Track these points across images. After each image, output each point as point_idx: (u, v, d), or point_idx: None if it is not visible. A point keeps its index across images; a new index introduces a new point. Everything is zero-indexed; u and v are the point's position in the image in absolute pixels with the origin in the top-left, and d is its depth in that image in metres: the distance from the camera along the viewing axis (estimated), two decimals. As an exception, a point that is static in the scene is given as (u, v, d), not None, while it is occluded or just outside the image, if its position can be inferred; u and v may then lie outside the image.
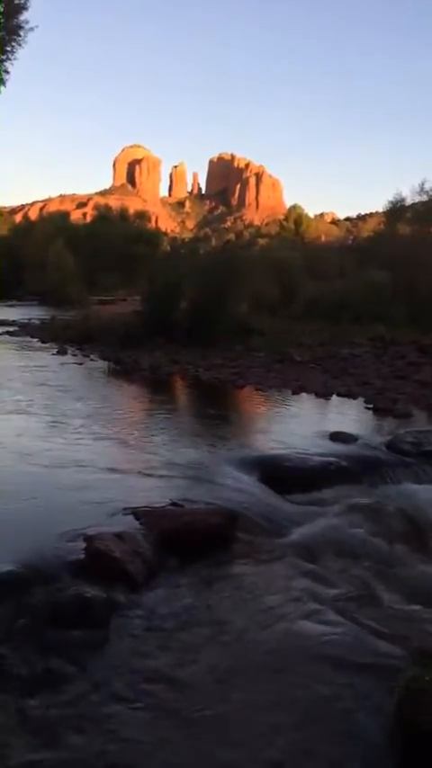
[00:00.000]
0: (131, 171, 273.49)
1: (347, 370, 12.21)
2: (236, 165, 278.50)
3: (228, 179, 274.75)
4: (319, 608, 3.47)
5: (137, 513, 4.38)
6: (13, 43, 15.34)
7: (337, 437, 6.97)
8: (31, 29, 15.71)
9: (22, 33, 15.46)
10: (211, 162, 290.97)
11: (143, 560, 3.77)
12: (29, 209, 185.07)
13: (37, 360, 13.50)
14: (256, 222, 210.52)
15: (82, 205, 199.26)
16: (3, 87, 15.89)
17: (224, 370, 12.00)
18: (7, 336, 18.29)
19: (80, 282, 38.18)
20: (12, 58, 15.50)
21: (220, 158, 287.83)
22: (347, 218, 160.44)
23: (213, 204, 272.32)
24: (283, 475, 5.73)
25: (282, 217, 77.28)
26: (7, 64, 15.53)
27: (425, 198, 27.99)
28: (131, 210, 69.21)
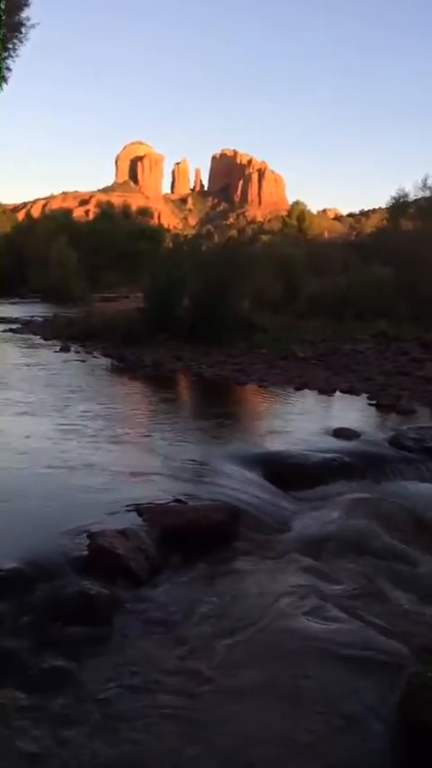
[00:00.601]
0: (134, 168, 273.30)
1: (350, 367, 12.19)
2: (238, 161, 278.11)
3: (230, 175, 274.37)
4: (323, 604, 3.47)
5: (140, 509, 4.38)
6: (15, 40, 15.33)
7: (340, 433, 6.96)
8: (33, 26, 15.71)
9: (23, 30, 15.46)
10: (213, 158, 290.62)
11: (146, 557, 3.78)
12: (31, 207, 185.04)
13: (40, 357, 13.51)
14: (259, 218, 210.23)
15: (84, 202, 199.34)
16: (5, 84, 15.88)
17: (227, 367, 12.00)
18: (10, 333, 18.32)
19: (83, 280, 38.19)
20: (13, 55, 15.49)
21: (223, 154, 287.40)
22: (350, 215, 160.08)
23: (216, 200, 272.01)
24: (286, 471, 5.73)
25: (284, 213, 77.22)
26: (9, 61, 15.51)
27: (428, 194, 27.82)
28: (134, 207, 69.13)
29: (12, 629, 3.03)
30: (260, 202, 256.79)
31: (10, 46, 15.27)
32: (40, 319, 22.16)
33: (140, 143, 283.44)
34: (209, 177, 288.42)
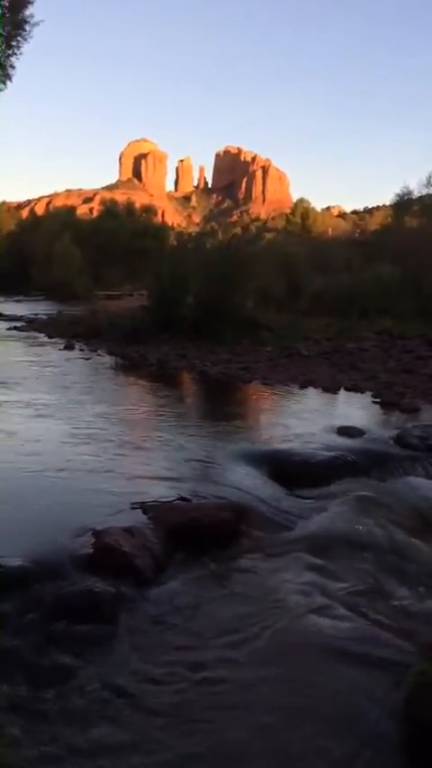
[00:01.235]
0: (137, 165, 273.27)
1: (354, 365, 12.18)
2: (242, 158, 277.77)
3: (234, 173, 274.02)
4: (328, 602, 3.48)
5: (145, 507, 4.39)
6: (19, 38, 15.36)
7: (344, 431, 6.95)
8: (37, 23, 15.74)
9: (27, 28, 15.50)
10: (217, 155, 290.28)
11: (151, 555, 3.78)
12: (35, 204, 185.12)
13: (44, 355, 13.53)
14: (263, 216, 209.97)
15: (88, 200, 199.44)
16: (9, 82, 15.92)
17: (231, 365, 11.99)
18: (14, 331, 18.34)
19: (87, 277, 38.22)
20: (17, 53, 15.53)
21: (227, 152, 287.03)
22: (354, 212, 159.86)
23: (220, 198, 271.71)
24: (290, 469, 5.72)
25: (288, 210, 77.10)
26: (13, 59, 15.54)
27: (432, 190, 27.85)
28: (138, 205, 69.07)
29: (18, 627, 3.04)
30: (264, 200, 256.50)
31: (14, 43, 15.34)
32: (44, 317, 22.17)
33: (144, 140, 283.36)
34: (213, 175, 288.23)
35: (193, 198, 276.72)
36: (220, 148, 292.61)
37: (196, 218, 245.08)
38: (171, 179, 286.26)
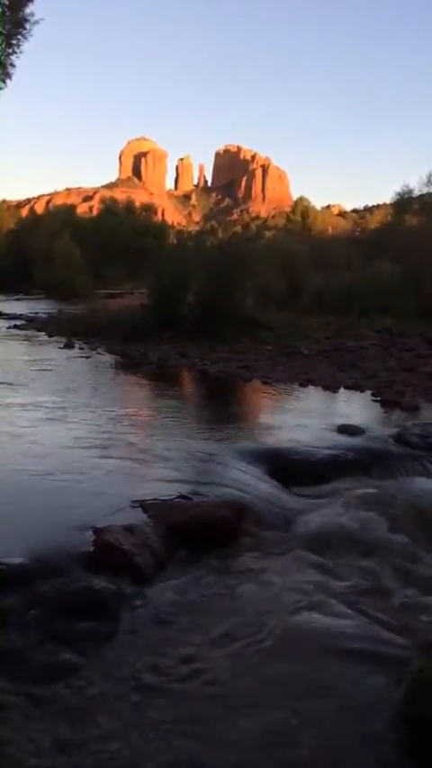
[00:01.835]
0: (137, 164, 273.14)
1: (355, 363, 12.19)
2: (242, 156, 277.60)
3: (234, 171, 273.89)
4: (328, 600, 3.48)
5: (145, 505, 4.39)
6: (19, 36, 15.34)
7: (344, 430, 6.96)
8: (37, 21, 15.71)
9: (27, 26, 15.47)
10: (217, 154, 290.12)
11: (151, 553, 3.79)
12: (35, 203, 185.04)
13: (44, 354, 13.53)
14: (263, 214, 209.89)
15: (88, 198, 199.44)
16: (9, 81, 15.91)
17: (231, 364, 12.00)
18: (15, 330, 18.33)
19: (87, 276, 38.19)
20: (17, 51, 15.51)
21: (227, 150, 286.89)
22: (355, 210, 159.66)
23: (220, 197, 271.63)
24: (290, 467, 5.73)
25: (288, 209, 77.06)
26: (13, 57, 15.53)
27: (432, 189, 27.85)
28: (138, 203, 69.05)
29: (19, 624, 3.05)
30: (264, 198, 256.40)
31: (14, 42, 15.31)
32: (44, 316, 22.15)
33: (144, 139, 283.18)
34: (212, 173, 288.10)
35: (193, 196, 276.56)
36: (220, 147, 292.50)
37: (196, 217, 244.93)
38: (171, 177, 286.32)
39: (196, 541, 4.07)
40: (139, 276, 31.59)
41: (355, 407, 8.72)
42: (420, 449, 6.43)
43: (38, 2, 15.58)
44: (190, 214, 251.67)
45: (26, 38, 15.82)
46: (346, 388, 9.96)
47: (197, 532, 4.15)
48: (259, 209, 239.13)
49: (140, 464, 5.62)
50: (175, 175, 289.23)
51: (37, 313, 23.25)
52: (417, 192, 29.25)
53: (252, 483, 5.24)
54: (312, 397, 9.46)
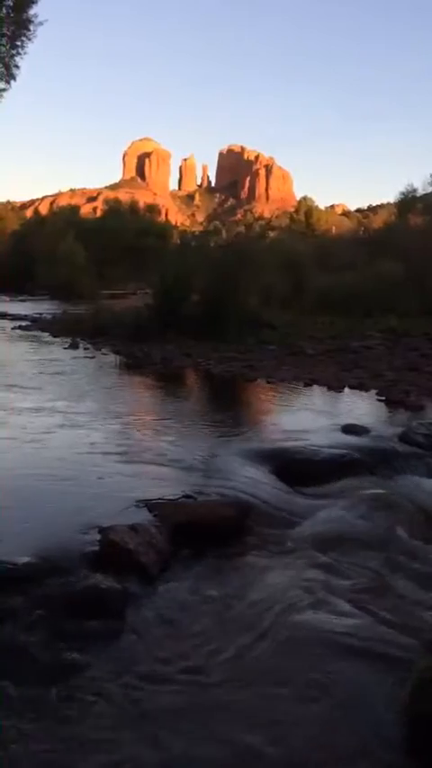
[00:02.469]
0: (141, 164, 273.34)
1: (359, 363, 12.18)
2: (245, 156, 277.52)
3: (237, 171, 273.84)
4: (333, 599, 3.49)
5: (150, 505, 4.41)
6: (23, 38, 15.37)
7: (349, 429, 6.95)
8: (41, 23, 15.74)
9: (31, 28, 15.49)
10: (220, 154, 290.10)
11: (157, 552, 3.80)
12: (39, 204, 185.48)
13: (49, 354, 13.56)
14: (267, 214, 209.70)
15: (92, 199, 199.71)
16: (13, 81, 15.95)
17: (235, 364, 12.00)
18: (19, 331, 18.38)
19: (91, 276, 38.23)
20: (22, 52, 15.54)
21: (230, 150, 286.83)
22: (359, 210, 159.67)
23: (223, 197, 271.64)
24: (295, 467, 5.73)
25: (292, 209, 77.03)
26: (17, 58, 15.56)
27: (436, 189, 27.83)
28: (141, 204, 69.26)
29: (25, 623, 3.07)
30: (268, 198, 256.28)
31: (18, 43, 15.34)
32: (48, 316, 22.21)
33: (148, 139, 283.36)
34: (216, 173, 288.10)
35: (197, 197, 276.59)
36: (224, 147, 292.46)
37: (200, 217, 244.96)
38: (174, 178, 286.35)
39: (201, 540, 4.09)
40: (142, 276, 31.61)
41: (360, 407, 8.71)
42: (425, 448, 6.41)
43: (41, 2, 15.52)
44: (194, 214, 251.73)
45: (30, 39, 15.87)
46: (351, 387, 9.95)
47: (202, 532, 4.16)
48: (263, 209, 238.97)
49: (145, 464, 5.63)
50: (178, 176, 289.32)
51: (41, 314, 23.30)
52: (421, 192, 29.29)
53: (257, 482, 5.24)
54: (317, 396, 9.45)
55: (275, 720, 2.54)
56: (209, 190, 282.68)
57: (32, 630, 3.02)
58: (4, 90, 16.41)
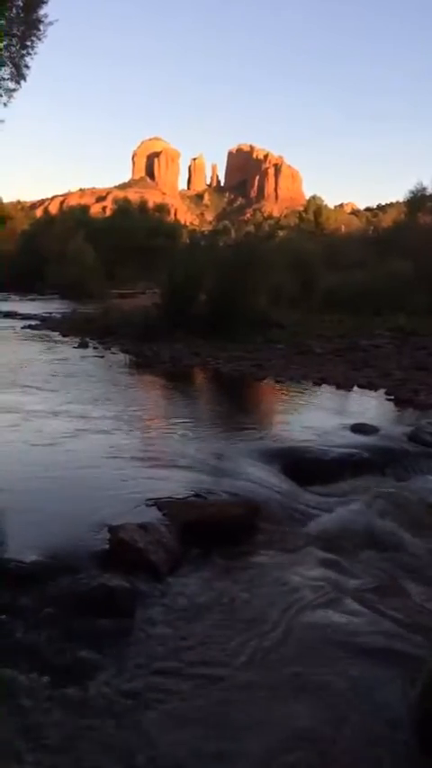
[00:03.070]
0: (150, 164, 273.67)
1: (368, 362, 12.15)
2: (255, 156, 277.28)
3: (247, 170, 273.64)
4: (342, 598, 3.49)
5: (160, 504, 4.41)
6: (33, 38, 15.36)
7: (358, 428, 6.94)
8: (51, 23, 15.72)
9: (41, 28, 15.48)
10: (229, 153, 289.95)
11: (166, 551, 3.80)
12: (49, 204, 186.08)
13: (59, 353, 13.60)
14: (276, 214, 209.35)
15: (101, 198, 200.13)
16: (23, 81, 15.96)
17: (244, 363, 12.00)
18: (29, 330, 18.44)
19: (100, 276, 38.35)
20: (32, 52, 15.54)
21: (239, 149, 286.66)
22: (368, 209, 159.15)
23: (232, 196, 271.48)
24: (305, 466, 5.73)
25: (301, 208, 76.90)
26: (27, 59, 15.57)
27: (446, 187, 27.71)
28: (150, 203, 69.34)
29: (35, 622, 3.07)
30: (277, 197, 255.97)
31: (28, 43, 15.34)
32: (57, 316, 22.27)
33: (157, 139, 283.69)
34: (225, 173, 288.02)
35: (206, 196, 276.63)
36: (233, 146, 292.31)
37: (209, 217, 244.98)
38: (184, 177, 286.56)
39: (211, 539, 4.08)
40: (152, 276, 31.67)
41: (369, 406, 8.70)
42: (435, 447, 6.39)
43: (51, 2, 15.52)
44: (203, 214, 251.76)
45: (40, 39, 15.86)
46: (360, 386, 9.93)
47: (212, 530, 4.16)
48: (272, 208, 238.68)
49: (155, 462, 5.63)
50: (187, 175, 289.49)
51: (51, 313, 23.37)
52: (430, 191, 29.14)
53: (266, 481, 5.24)
54: (326, 395, 9.44)
55: (286, 720, 2.54)
56: (218, 189, 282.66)
57: (42, 629, 3.03)
58: (14, 90, 16.39)
